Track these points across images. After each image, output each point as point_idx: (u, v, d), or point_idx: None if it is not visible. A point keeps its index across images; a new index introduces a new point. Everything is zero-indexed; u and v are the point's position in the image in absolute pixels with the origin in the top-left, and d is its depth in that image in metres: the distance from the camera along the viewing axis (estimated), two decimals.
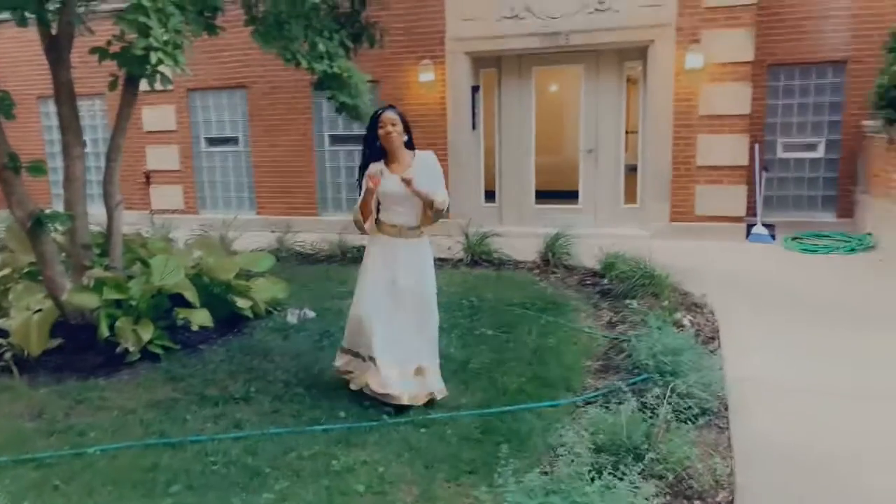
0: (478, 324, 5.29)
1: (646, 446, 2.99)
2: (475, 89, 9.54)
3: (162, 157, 11.17)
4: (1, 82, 11.50)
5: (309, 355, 4.75)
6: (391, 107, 3.90)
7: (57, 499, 3.00)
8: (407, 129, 3.86)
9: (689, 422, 3.33)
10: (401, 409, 3.79)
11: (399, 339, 3.86)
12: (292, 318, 5.55)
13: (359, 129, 9.93)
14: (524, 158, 9.58)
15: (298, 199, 10.47)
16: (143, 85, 5.13)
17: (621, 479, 2.62)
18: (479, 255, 7.50)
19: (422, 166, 3.84)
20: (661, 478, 2.86)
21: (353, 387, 4.02)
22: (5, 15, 5.06)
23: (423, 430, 3.57)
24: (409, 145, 3.90)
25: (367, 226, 3.95)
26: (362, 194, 3.85)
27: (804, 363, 4.29)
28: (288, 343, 5.04)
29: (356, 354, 4.01)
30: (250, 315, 5.50)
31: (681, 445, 2.92)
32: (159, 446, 3.48)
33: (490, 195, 9.93)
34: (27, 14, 4.97)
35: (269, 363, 4.63)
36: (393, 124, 3.78)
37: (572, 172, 9.56)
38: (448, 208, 3.89)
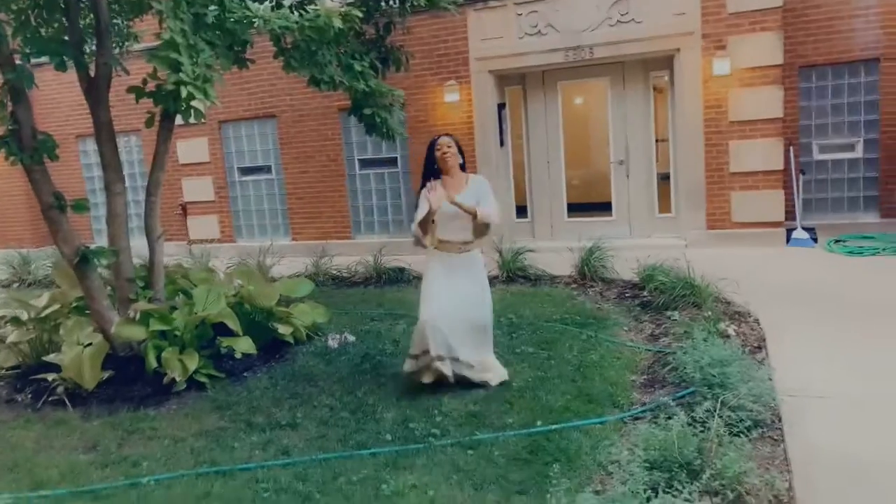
0: (517, 342, 5.27)
1: (699, 462, 2.93)
2: (501, 107, 9.59)
3: (197, 189, 11.42)
4: (41, 124, 11.91)
5: (351, 379, 4.77)
6: (447, 134, 4.47)
7: None
8: (461, 152, 4.39)
9: (741, 435, 3.25)
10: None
11: (458, 336, 4.25)
12: (333, 342, 5.59)
13: (388, 152, 10.09)
14: (554, 172, 9.57)
15: (332, 223, 10.59)
16: (178, 119, 5.27)
17: (677, 497, 2.58)
18: (514, 272, 7.48)
19: (474, 186, 4.32)
20: (717, 494, 2.80)
21: (426, 380, 4.33)
22: (43, 59, 5.26)
23: (469, 451, 3.55)
24: (463, 167, 4.42)
25: (426, 241, 4.33)
26: (421, 211, 4.19)
27: (857, 371, 4.17)
28: (330, 367, 5.07)
29: (424, 353, 4.27)
30: (292, 341, 5.56)
31: (736, 460, 2.85)
32: (210, 474, 3.52)
33: (521, 210, 9.93)
34: (65, 58, 5.16)
35: (313, 388, 4.67)
36: (448, 146, 4.32)
37: (604, 184, 9.52)
38: (492, 223, 4.32)
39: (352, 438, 3.82)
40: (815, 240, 8.15)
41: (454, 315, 4.21)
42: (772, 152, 8.23)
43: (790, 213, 8.48)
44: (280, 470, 3.51)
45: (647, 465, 2.97)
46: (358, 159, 10.41)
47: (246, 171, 11.20)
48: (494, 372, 4.45)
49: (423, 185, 4.25)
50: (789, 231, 8.29)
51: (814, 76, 8.75)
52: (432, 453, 3.56)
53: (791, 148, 8.50)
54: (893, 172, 8.51)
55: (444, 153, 4.28)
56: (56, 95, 11.79)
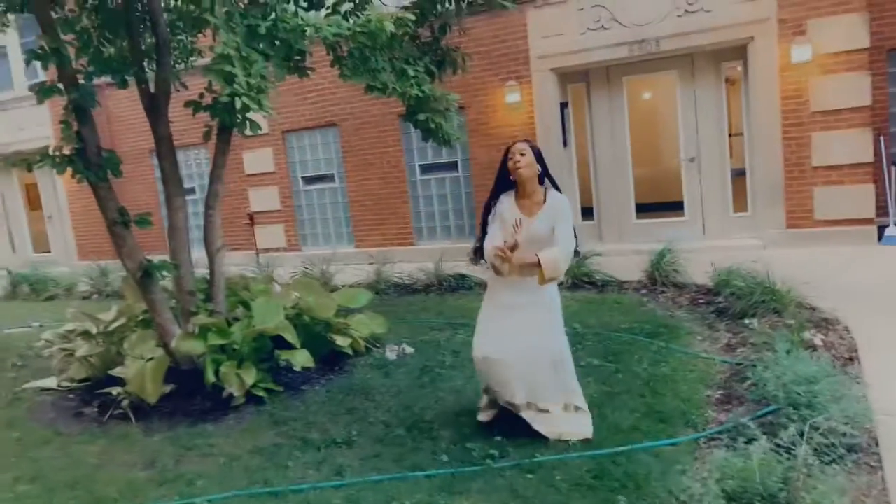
0: (583, 353, 5.00)
1: (785, 495, 2.63)
2: (564, 106, 9.30)
3: (263, 199, 11.60)
4: (117, 140, 12.42)
5: (408, 393, 4.64)
6: (525, 140, 3.75)
7: None
8: (540, 161, 3.66)
9: (834, 463, 2.92)
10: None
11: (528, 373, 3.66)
12: (391, 354, 5.48)
13: (448, 157, 9.95)
14: (621, 172, 9.20)
15: (394, 230, 10.54)
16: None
17: None
18: (579, 278, 7.18)
19: (550, 210, 3.63)
20: None
21: (483, 418, 3.96)
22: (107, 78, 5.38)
23: (529, 475, 3.34)
24: (544, 179, 3.71)
25: (504, 269, 3.59)
26: (494, 241, 3.60)
27: None
28: (388, 381, 4.95)
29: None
30: (350, 352, 5.48)
31: (827, 494, 2.54)
32: (263, 496, 3.45)
33: (587, 212, 9.60)
34: (125, 76, 5.26)
35: (370, 402, 4.55)
36: (522, 154, 3.60)
37: (674, 182, 9.08)
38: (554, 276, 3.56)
39: (407, 458, 3.67)
40: None
41: (517, 346, 3.60)
42: (859, 143, 7.64)
43: (882, 209, 7.83)
44: (332, 492, 3.39)
45: (723, 496, 2.69)
46: (419, 165, 10.32)
47: (310, 179, 11.31)
48: (573, 424, 3.73)
49: (493, 198, 3.73)
50: (881, 228, 7.66)
51: None
52: (490, 476, 3.37)
53: (882, 138, 7.85)
54: None
55: (517, 162, 3.57)
56: (130, 113, 12.24)
